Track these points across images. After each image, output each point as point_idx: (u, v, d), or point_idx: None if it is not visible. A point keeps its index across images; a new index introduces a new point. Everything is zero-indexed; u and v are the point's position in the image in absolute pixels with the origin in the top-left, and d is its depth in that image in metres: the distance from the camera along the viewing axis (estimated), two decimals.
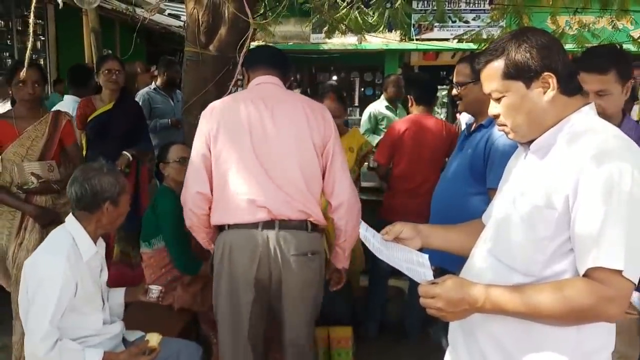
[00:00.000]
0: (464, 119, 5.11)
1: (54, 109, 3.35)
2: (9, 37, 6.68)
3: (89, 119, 3.63)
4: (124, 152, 3.50)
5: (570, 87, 1.34)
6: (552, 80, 1.31)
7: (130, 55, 4.28)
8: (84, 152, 3.66)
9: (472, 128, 2.53)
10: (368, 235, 1.63)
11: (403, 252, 1.54)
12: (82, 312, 2.02)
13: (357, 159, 3.45)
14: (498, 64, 1.34)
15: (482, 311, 1.31)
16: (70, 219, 2.08)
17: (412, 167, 3.43)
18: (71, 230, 2.04)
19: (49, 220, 2.83)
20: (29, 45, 2.55)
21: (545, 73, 1.31)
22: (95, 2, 3.81)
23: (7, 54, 6.68)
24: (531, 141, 1.38)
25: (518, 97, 1.34)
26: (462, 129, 4.64)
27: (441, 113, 9.90)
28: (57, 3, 5.14)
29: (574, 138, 1.30)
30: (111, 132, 3.59)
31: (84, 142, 3.75)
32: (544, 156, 1.35)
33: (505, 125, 1.39)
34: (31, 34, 2.59)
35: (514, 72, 1.32)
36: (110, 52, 6.09)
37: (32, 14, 2.66)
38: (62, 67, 7.27)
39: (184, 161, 2.69)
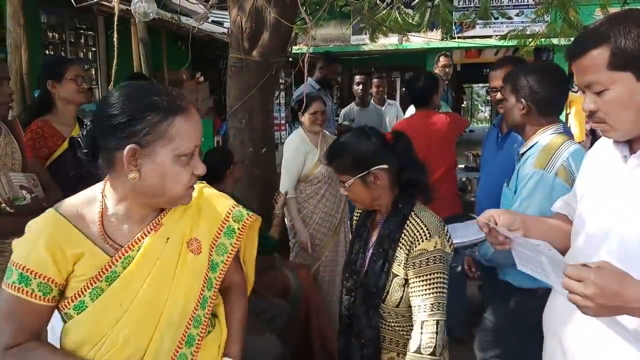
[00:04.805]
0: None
1: None
2: (63, 49, 7.00)
3: (52, 158, 2.52)
4: None
5: None
6: None
7: (176, 62, 4.37)
8: None
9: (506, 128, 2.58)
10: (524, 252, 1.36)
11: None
12: None
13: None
14: (601, 53, 1.16)
15: (637, 314, 1.10)
16: None
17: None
18: None
19: None
20: None
21: None
22: (150, 14, 3.85)
23: None
24: (628, 141, 1.22)
25: (626, 91, 1.16)
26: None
27: (485, 111, 9.72)
28: (107, 15, 5.34)
29: None
30: (76, 175, 2.44)
31: None
32: None
33: (604, 122, 1.21)
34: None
35: (622, 62, 1.14)
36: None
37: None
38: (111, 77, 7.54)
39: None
